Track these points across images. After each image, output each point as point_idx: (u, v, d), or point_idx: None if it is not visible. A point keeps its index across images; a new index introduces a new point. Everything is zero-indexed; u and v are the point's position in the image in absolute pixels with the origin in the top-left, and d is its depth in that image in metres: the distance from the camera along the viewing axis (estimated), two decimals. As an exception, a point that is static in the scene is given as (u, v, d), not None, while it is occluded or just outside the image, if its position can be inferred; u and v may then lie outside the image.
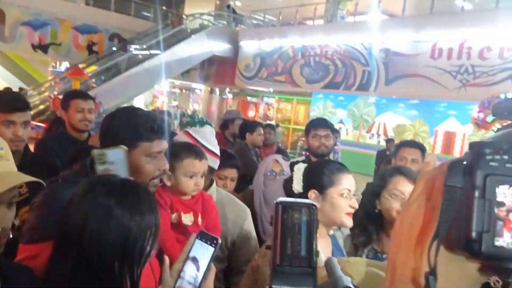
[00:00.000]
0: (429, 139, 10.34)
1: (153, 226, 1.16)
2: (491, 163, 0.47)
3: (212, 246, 1.13)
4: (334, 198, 1.77)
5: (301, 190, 1.97)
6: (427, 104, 10.52)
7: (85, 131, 3.12)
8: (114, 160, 1.40)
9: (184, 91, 20.86)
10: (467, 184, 0.47)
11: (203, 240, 1.13)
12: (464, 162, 0.49)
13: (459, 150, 9.81)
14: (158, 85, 17.28)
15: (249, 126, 4.82)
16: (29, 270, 1.20)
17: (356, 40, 11.40)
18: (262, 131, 4.81)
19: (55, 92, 11.32)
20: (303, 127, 3.75)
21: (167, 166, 1.63)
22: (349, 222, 1.79)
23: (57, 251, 1.11)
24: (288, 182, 2.11)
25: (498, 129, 7.96)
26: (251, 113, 16.56)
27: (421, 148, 3.13)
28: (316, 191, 1.81)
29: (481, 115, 8.66)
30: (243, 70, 14.77)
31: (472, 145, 0.49)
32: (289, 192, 2.12)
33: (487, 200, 0.46)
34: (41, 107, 11.61)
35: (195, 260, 1.12)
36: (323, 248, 1.85)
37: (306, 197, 1.87)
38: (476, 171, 0.47)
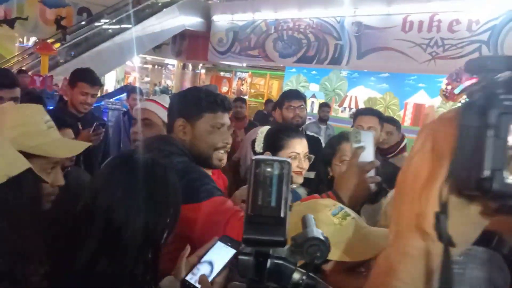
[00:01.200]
0: (399, 111, 10.54)
1: (176, 206, 1.18)
2: (505, 102, 0.46)
3: (234, 248, 1.17)
4: None
5: (260, 151, 2.20)
6: (398, 78, 10.68)
7: (83, 112, 3.23)
8: (365, 141, 1.50)
9: (156, 66, 20.55)
10: (481, 123, 0.47)
11: (226, 243, 1.18)
12: (477, 103, 0.48)
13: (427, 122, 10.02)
14: (130, 61, 16.96)
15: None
16: None
17: (328, 13, 11.39)
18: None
19: (24, 68, 10.97)
20: (277, 102, 3.79)
21: (230, 140, 1.75)
22: (298, 179, 2.07)
23: (82, 227, 1.11)
24: (253, 143, 2.35)
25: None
26: (224, 89, 16.48)
27: (378, 115, 3.09)
28: (269, 152, 2.07)
29: (449, 87, 8.87)
30: (216, 45, 14.62)
31: (484, 87, 0.49)
32: (254, 152, 2.38)
33: (501, 138, 0.46)
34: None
35: (210, 263, 1.16)
36: None
37: None
38: (491, 110, 0.46)
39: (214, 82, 16.61)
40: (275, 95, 13.88)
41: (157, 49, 15.54)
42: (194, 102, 1.70)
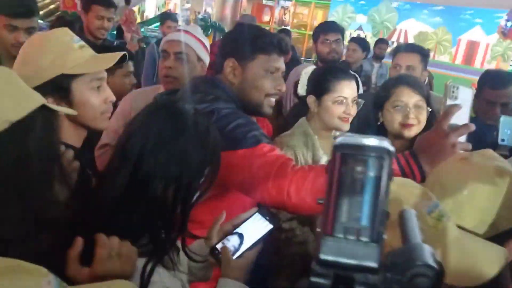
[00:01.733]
0: (451, 48, 9.91)
1: (214, 166, 1.10)
2: None
3: (271, 223, 1.11)
4: (328, 104, 1.91)
5: (304, 94, 2.07)
6: (453, 11, 9.92)
7: (101, 39, 3.11)
8: (463, 98, 1.30)
9: (197, -8, 19.98)
10: None
11: (264, 216, 1.12)
12: None
13: (480, 60, 9.42)
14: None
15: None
16: None
17: None
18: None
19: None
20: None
21: (284, 87, 1.62)
22: (344, 126, 1.94)
23: (115, 162, 1.08)
24: (296, 85, 2.20)
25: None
26: (265, 18, 15.90)
27: (421, 52, 2.75)
28: (313, 96, 1.94)
29: (509, 24, 8.24)
30: (259, -29, 13.91)
31: None
32: (296, 95, 2.23)
33: None
34: (52, 6, 11.22)
35: (243, 236, 1.10)
36: (328, 150, 1.96)
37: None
38: None
39: (256, 11, 16.03)
40: (318, 26, 13.29)
41: (198, -27, 14.97)
42: (247, 41, 1.55)
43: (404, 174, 1.26)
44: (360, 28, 11.58)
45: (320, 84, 2.00)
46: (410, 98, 1.86)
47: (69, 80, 1.27)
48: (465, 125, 1.24)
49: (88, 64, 1.29)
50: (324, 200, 0.50)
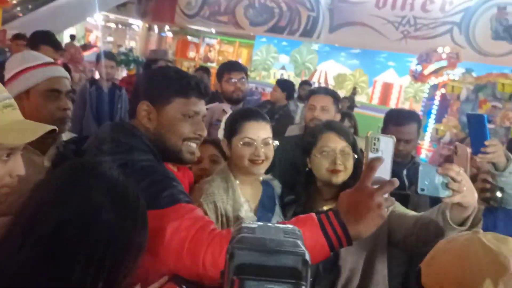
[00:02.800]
0: (368, 89, 10.51)
1: (137, 246, 0.94)
2: None
3: None
4: (237, 146, 1.81)
5: (222, 138, 1.99)
6: (368, 54, 10.60)
7: None
8: (384, 149, 1.18)
9: (120, 26, 19.65)
10: None
11: (178, 284, 1.00)
12: None
13: (395, 101, 10.06)
14: (91, 18, 16.11)
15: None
16: None
17: (302, -17, 11.09)
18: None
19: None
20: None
21: (204, 132, 1.47)
22: (255, 169, 1.80)
23: (16, 237, 0.88)
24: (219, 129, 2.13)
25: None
26: (191, 54, 15.97)
27: (334, 95, 2.87)
28: (225, 139, 1.87)
29: (419, 67, 8.86)
30: (184, 8, 14.05)
31: None
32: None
33: None
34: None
35: None
36: (250, 196, 1.83)
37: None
38: None
39: (181, 47, 16.06)
40: (244, 64, 13.56)
41: (122, 7, 14.79)
42: (162, 83, 1.42)
43: (327, 237, 1.15)
44: (283, 67, 11.97)
45: (230, 127, 1.91)
46: (336, 144, 1.85)
47: None
48: (389, 181, 1.16)
49: (2, 133, 1.09)
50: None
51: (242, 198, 1.83)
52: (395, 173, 1.75)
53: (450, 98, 7.93)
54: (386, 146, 1.19)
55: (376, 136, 1.19)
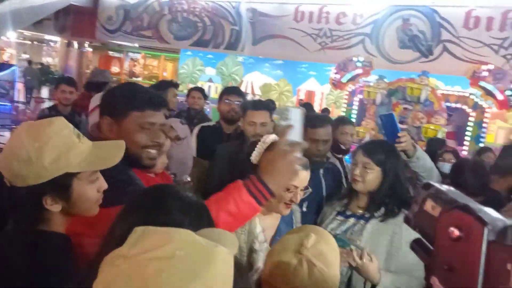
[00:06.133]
0: (292, 98, 11.09)
1: None
2: None
3: None
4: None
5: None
6: (291, 65, 11.19)
7: None
8: (294, 119, 1.39)
9: (35, 43, 18.85)
10: None
11: None
12: None
13: (318, 108, 10.73)
14: (4, 36, 15.35)
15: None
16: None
17: (223, -2, 11.47)
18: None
19: None
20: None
21: (162, 139, 1.62)
22: (285, 211, 1.85)
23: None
24: None
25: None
26: (114, 69, 15.76)
27: (269, 108, 3.00)
28: None
29: (337, 76, 9.55)
30: (105, 23, 13.85)
31: None
32: None
33: None
34: None
35: None
36: (268, 224, 1.88)
37: None
38: None
39: (103, 62, 15.77)
40: (170, 77, 13.65)
41: (38, 24, 14.27)
42: (120, 99, 1.59)
43: (254, 196, 1.40)
44: (210, 80, 12.26)
45: None
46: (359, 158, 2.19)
47: (71, 177, 1.20)
48: (299, 142, 1.43)
49: (94, 160, 1.22)
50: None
51: (258, 228, 1.81)
52: (313, 171, 2.11)
53: (367, 102, 8.65)
54: (295, 116, 1.45)
55: (286, 107, 1.47)
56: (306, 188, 1.87)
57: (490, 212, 0.60)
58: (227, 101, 3.46)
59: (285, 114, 1.42)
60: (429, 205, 0.66)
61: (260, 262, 1.69)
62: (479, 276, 0.56)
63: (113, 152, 1.28)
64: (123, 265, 0.66)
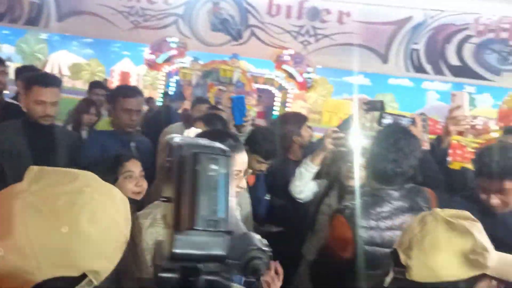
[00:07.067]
0: (107, 79, 10.59)
1: None
2: None
3: None
4: None
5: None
6: (102, 44, 10.63)
7: None
8: None
9: None
10: None
11: None
12: None
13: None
14: None
15: None
16: None
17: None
18: None
19: None
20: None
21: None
22: None
23: None
24: None
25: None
26: None
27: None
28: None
29: (152, 56, 9.47)
30: None
31: None
32: None
33: None
34: None
35: None
36: None
37: None
38: None
39: None
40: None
41: None
42: None
43: None
44: (9, 59, 10.87)
45: None
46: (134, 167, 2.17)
47: None
48: None
49: None
50: (173, 198, 0.53)
51: None
52: (124, 144, 2.13)
53: (184, 84, 8.83)
54: None
55: None
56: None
57: None
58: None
59: None
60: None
61: None
62: None
63: None
64: (29, 198, 0.73)
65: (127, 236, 0.77)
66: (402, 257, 1.05)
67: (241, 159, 1.62)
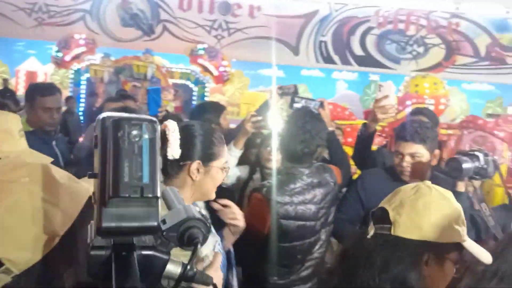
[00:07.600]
0: (11, 79, 9.98)
1: None
2: None
3: None
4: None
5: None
6: (5, 42, 9.99)
7: None
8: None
9: None
10: None
11: None
12: None
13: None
14: None
15: None
16: None
17: None
18: None
19: None
20: None
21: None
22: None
23: None
24: None
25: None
26: None
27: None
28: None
29: (60, 54, 9.08)
30: None
31: None
32: None
33: None
34: None
35: None
36: None
37: None
38: None
39: None
40: None
41: None
42: None
43: None
44: None
45: None
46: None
47: None
48: None
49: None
50: (98, 171, 0.52)
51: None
52: (46, 143, 2.13)
53: (95, 81, 8.56)
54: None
55: None
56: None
57: None
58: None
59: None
60: None
61: None
62: None
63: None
64: None
65: (57, 232, 0.75)
66: (391, 214, 1.13)
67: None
